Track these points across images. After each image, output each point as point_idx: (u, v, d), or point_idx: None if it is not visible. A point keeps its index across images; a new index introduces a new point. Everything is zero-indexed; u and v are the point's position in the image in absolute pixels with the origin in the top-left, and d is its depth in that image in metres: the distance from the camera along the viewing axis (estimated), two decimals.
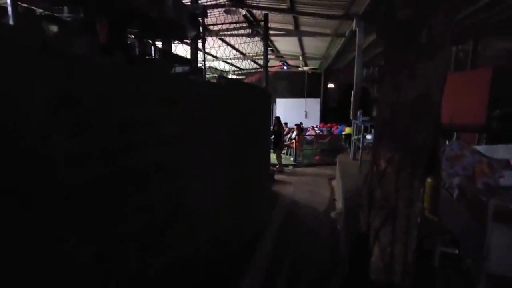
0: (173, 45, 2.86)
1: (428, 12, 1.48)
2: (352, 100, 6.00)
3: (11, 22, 1.04)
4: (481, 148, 2.52)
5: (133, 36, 1.94)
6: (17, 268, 0.79)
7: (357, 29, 5.56)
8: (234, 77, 12.24)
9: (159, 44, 2.61)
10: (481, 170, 2.20)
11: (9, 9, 1.05)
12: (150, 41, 1.96)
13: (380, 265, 2.02)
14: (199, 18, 2.31)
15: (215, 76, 5.95)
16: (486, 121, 4.55)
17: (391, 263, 1.97)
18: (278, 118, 8.07)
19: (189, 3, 2.75)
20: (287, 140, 9.32)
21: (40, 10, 1.45)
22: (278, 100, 14.13)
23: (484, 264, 1.80)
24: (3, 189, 0.73)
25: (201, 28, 2.37)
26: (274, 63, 12.96)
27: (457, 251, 2.08)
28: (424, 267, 2.04)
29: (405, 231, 1.80)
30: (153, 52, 2.05)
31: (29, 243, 0.82)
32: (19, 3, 1.11)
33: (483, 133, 4.38)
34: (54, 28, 1.20)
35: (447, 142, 3.38)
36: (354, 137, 6.34)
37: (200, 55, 3.30)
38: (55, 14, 1.37)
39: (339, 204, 4.83)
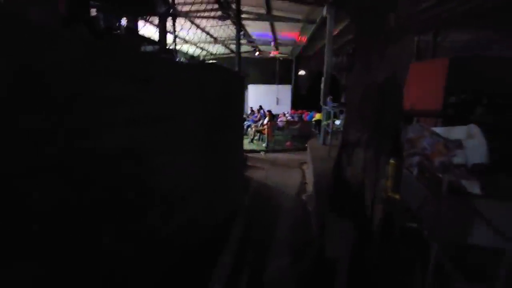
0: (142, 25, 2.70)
1: None
2: (322, 86, 6.15)
3: None
4: (438, 129, 2.73)
5: (97, 8, 1.79)
6: None
7: (327, 16, 5.64)
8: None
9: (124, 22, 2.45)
10: (438, 150, 2.40)
11: None
12: (117, 17, 1.83)
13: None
14: None
15: (186, 59, 5.74)
16: (443, 107, 4.92)
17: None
18: None
19: None
20: (259, 126, 9.38)
21: None
22: (250, 86, 14.08)
23: (438, 233, 2.00)
24: None
25: (171, 5, 2.26)
26: (246, 49, 12.78)
27: (415, 225, 2.27)
28: (388, 241, 2.22)
29: (371, 205, 1.93)
30: (119, 28, 1.92)
31: None
32: None
33: (439, 118, 4.74)
34: None
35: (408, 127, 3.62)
36: (323, 123, 6.55)
37: (169, 37, 3.15)
38: None
39: (310, 187, 5.02)
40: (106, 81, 1.08)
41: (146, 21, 2.68)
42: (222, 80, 2.86)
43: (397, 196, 2.25)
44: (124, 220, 1.28)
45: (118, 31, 1.73)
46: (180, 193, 1.90)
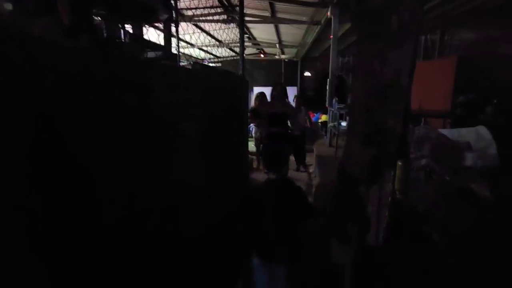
0: (146, 31, 2.73)
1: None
2: (327, 88, 6.11)
3: None
4: (445, 131, 2.68)
5: (100, 18, 1.82)
6: None
7: (332, 17, 5.61)
8: (210, 64, 11.99)
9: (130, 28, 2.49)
10: (446, 152, 2.35)
11: None
12: (119, 24, 1.86)
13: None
14: (171, 1, 2.22)
15: (190, 63, 5.79)
16: (451, 107, 4.82)
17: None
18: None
19: None
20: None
21: None
22: (255, 88, 14.08)
23: (449, 237, 1.95)
24: None
25: (173, 12, 2.28)
26: (251, 51, 12.81)
27: (424, 228, 2.23)
28: (396, 244, 2.18)
29: (376, 211, 1.90)
30: (123, 36, 1.94)
31: None
32: None
33: (448, 119, 4.65)
34: (8, 7, 1.10)
35: (415, 127, 3.56)
36: (330, 124, 6.50)
37: (174, 41, 3.18)
38: None
39: (315, 189, 4.98)
40: (106, 91, 1.09)
41: (152, 26, 2.71)
42: (226, 84, 2.86)
43: (405, 199, 2.21)
44: None
45: (121, 39, 1.75)
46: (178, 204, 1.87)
